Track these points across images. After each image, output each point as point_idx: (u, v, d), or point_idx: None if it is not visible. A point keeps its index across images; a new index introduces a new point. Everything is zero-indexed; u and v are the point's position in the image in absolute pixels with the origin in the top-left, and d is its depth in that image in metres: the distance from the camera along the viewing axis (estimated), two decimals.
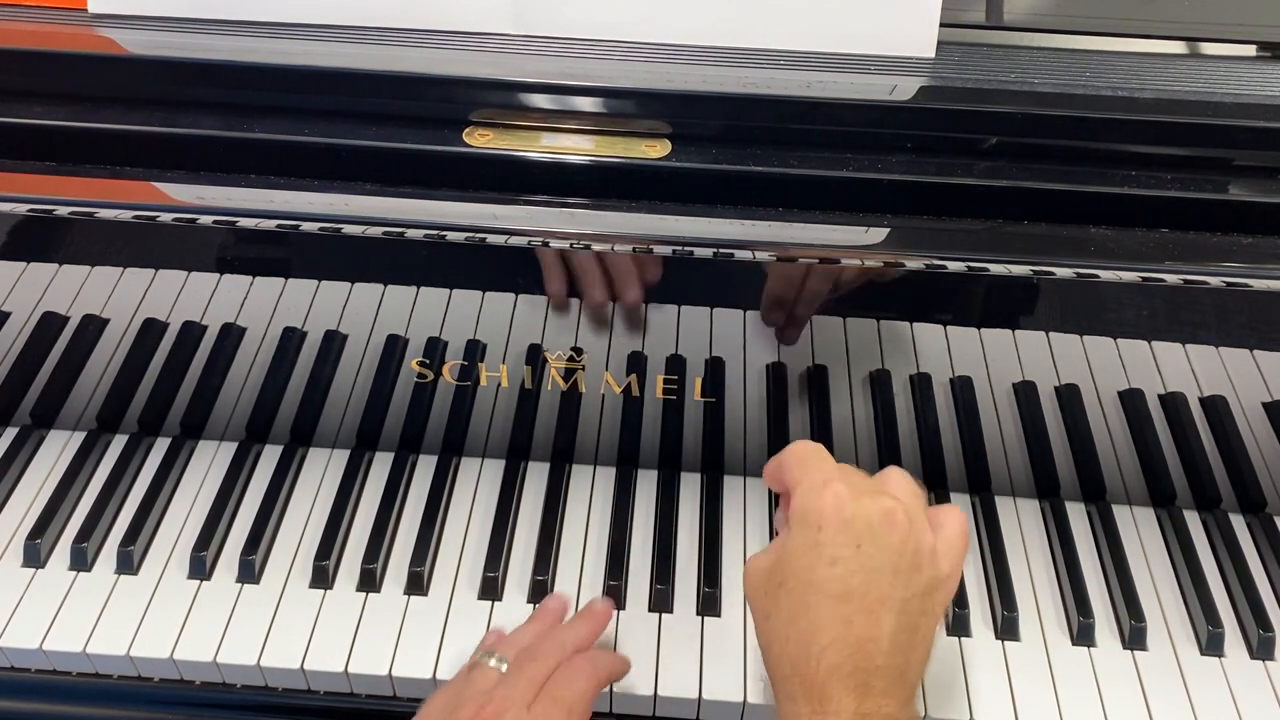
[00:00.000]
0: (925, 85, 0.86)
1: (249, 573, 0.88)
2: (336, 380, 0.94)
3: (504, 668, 0.76)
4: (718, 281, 0.86)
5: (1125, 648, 0.86)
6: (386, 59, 0.87)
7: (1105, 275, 0.80)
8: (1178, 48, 0.93)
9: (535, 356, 0.91)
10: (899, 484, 0.73)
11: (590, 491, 0.96)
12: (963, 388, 0.90)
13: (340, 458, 0.97)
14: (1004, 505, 0.96)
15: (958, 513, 0.74)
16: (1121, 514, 0.95)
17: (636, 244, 0.82)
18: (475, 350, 0.91)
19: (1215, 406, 0.89)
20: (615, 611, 0.86)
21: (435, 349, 0.91)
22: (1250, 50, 0.92)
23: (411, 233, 0.82)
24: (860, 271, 0.82)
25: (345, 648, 0.84)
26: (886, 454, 0.94)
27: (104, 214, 0.83)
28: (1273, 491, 0.94)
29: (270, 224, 0.83)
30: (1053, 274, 0.81)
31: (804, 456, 0.74)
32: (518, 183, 0.83)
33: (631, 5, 0.88)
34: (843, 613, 0.67)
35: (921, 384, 0.90)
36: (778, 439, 0.94)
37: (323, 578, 0.88)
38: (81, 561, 0.88)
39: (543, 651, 0.77)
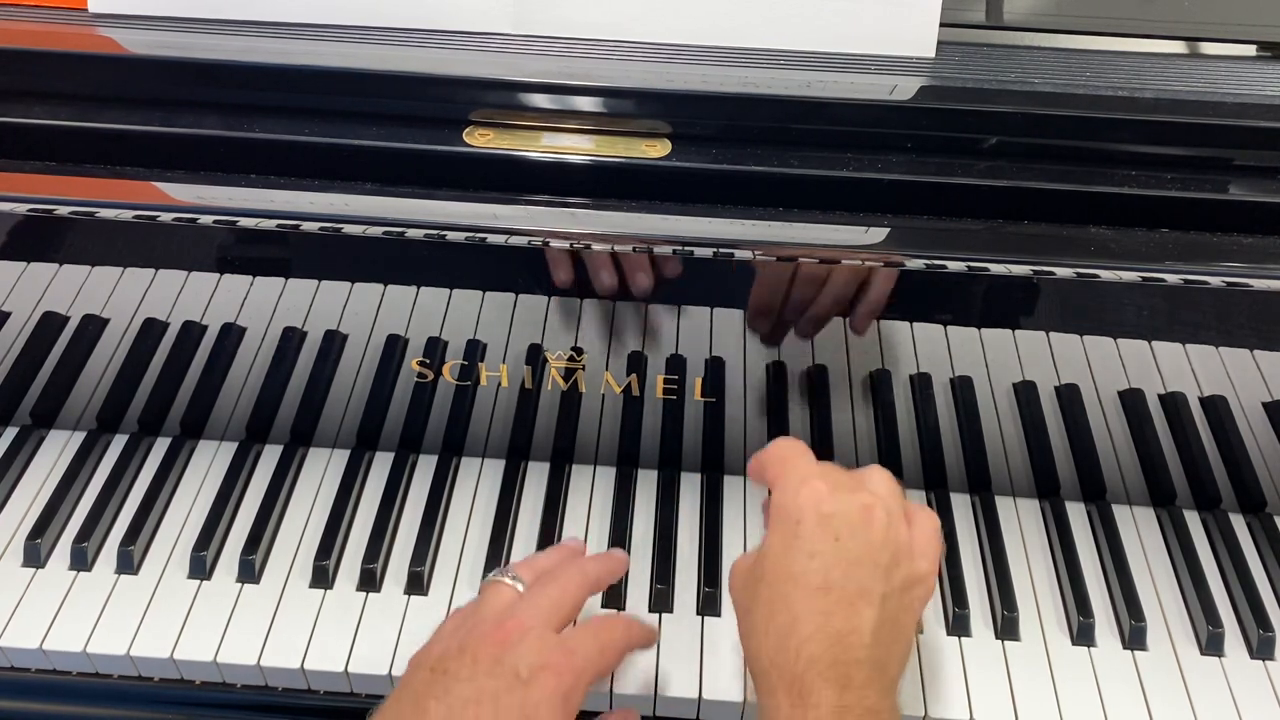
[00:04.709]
0: (925, 85, 0.86)
1: (249, 573, 0.88)
2: (336, 380, 0.94)
3: (520, 588, 0.73)
4: (718, 281, 0.86)
5: (1125, 648, 0.86)
6: (387, 59, 0.87)
7: (1105, 275, 0.80)
8: (1178, 48, 0.93)
9: (535, 356, 0.91)
10: (878, 481, 0.73)
11: (590, 491, 0.96)
12: (963, 388, 0.90)
13: (340, 458, 0.97)
14: (1004, 505, 0.95)
15: (930, 513, 0.75)
16: (1121, 514, 0.95)
17: (636, 244, 0.82)
18: (475, 350, 0.91)
19: (1215, 406, 0.89)
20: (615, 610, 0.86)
21: (435, 349, 0.91)
22: (1250, 50, 0.92)
23: (412, 233, 0.82)
24: (851, 273, 0.82)
25: (345, 648, 0.84)
26: (887, 454, 0.94)
27: (104, 214, 0.83)
28: (1273, 491, 0.94)
29: (270, 224, 0.83)
30: (1053, 274, 0.81)
31: (784, 455, 0.74)
32: (518, 182, 0.83)
33: (631, 5, 0.88)
34: (822, 605, 0.66)
35: (921, 384, 0.90)
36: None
37: (323, 578, 0.88)
38: (81, 561, 0.88)
39: (564, 574, 0.73)
